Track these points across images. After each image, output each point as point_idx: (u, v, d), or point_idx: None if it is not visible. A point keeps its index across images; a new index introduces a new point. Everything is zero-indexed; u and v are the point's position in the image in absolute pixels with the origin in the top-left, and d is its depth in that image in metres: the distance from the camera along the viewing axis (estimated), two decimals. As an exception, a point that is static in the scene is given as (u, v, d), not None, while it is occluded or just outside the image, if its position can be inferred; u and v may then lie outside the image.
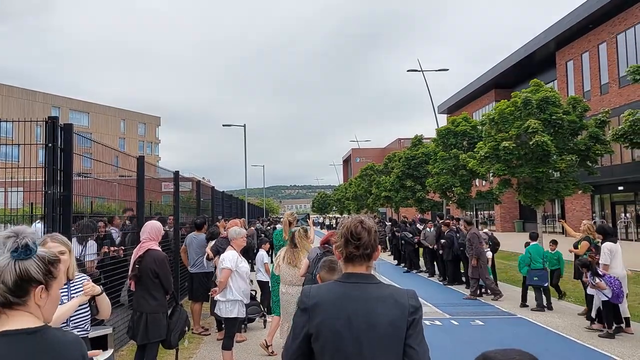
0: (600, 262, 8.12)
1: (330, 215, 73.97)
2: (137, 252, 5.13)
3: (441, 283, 14.15)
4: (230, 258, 6.08)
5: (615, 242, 8.28)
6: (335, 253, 2.25)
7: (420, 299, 2.07)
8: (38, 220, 5.82)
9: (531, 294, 10.46)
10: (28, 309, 1.55)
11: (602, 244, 8.35)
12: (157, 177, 9.51)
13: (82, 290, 3.22)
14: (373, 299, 1.98)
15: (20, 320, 1.53)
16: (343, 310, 1.96)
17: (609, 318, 7.95)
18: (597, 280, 7.89)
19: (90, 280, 3.37)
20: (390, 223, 23.08)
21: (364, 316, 1.94)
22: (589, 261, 8.22)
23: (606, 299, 7.85)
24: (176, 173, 9.77)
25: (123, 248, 7.21)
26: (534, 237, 10.71)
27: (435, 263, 15.68)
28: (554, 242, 11.09)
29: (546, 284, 10.09)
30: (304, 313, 2.01)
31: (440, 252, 14.29)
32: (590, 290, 8.28)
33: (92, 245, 6.08)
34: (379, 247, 2.21)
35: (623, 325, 8.15)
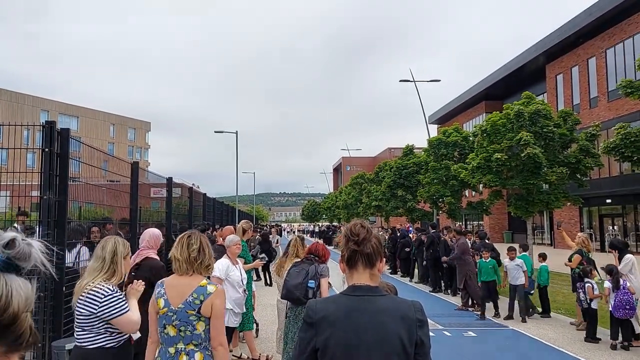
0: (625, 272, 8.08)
1: (321, 223, 73.71)
2: (133, 260, 5.02)
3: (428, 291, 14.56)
4: (220, 267, 5.99)
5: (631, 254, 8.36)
6: (340, 266, 2.18)
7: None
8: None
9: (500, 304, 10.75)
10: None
11: (618, 257, 8.31)
12: (149, 183, 9.38)
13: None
14: (381, 312, 1.94)
15: None
16: (352, 324, 1.91)
17: (629, 331, 7.90)
18: (606, 285, 7.92)
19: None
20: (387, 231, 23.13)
21: (373, 330, 1.90)
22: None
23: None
24: (169, 179, 9.67)
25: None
26: (525, 248, 11.15)
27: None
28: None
29: (532, 292, 10.46)
30: (311, 327, 1.95)
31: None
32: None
33: (85, 251, 5.88)
34: (383, 258, 2.17)
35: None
